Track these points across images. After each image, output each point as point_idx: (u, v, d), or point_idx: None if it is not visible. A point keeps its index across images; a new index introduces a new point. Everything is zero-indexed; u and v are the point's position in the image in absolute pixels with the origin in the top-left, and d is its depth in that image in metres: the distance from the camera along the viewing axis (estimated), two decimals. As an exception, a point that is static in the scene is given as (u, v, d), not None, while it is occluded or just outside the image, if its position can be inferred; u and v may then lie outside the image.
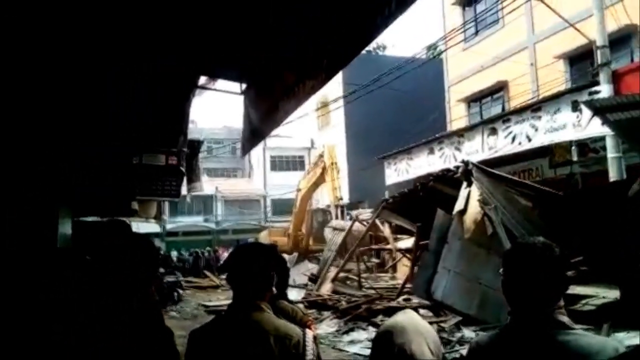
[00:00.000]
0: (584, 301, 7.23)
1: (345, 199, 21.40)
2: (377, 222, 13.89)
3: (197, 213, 34.58)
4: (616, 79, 8.78)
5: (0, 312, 2.24)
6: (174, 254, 27.64)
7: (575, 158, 10.45)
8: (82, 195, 5.52)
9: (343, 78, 19.86)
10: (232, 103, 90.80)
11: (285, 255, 18.26)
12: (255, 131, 4.24)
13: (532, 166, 12.04)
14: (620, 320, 6.26)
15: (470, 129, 12.47)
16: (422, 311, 8.70)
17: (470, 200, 8.74)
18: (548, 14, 10.72)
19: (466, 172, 9.03)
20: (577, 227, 7.70)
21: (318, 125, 29.93)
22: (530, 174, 12.04)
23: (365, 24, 2.34)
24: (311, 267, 17.71)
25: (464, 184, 9.09)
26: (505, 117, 11.28)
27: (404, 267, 14.09)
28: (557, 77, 12.04)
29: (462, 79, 16.34)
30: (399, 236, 14.32)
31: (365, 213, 16.32)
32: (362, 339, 8.65)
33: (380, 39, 33.41)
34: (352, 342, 8.57)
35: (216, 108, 73.94)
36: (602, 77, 8.76)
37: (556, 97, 9.80)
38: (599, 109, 6.84)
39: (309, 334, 1.82)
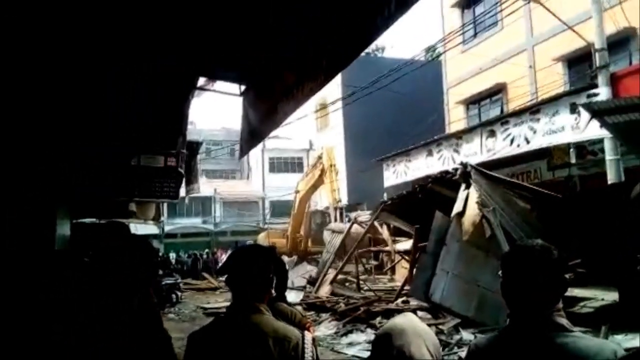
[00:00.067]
0: (582, 303, 7.25)
1: (344, 201, 21.39)
2: (376, 224, 13.89)
3: (195, 215, 34.55)
4: (614, 81, 8.80)
5: (0, 312, 2.23)
6: (173, 255, 27.61)
7: (573, 160, 10.47)
8: (81, 196, 5.51)
9: (342, 80, 19.89)
10: (231, 104, 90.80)
11: (285, 258, 18.28)
12: (254, 133, 4.24)
13: (531, 168, 12.06)
14: (618, 322, 6.26)
15: (469, 131, 12.48)
16: (420, 313, 8.69)
17: (469, 203, 8.74)
18: (547, 16, 10.75)
19: (465, 174, 9.04)
20: (576, 229, 7.71)
21: (317, 126, 29.94)
22: (528, 176, 12.06)
23: (365, 24, 2.35)
24: (310, 269, 17.69)
25: (463, 186, 9.10)
26: (503, 119, 11.29)
27: (402, 269, 14.10)
28: (555, 80, 12.07)
29: (461, 81, 16.37)
30: (397, 238, 14.32)
31: (364, 215, 16.33)
32: (360, 341, 8.63)
33: (379, 41, 33.47)
34: (350, 344, 8.56)
35: (215, 109, 73.95)
36: (601, 79, 8.78)
37: (555, 100, 9.82)
38: (597, 112, 6.86)
39: (308, 336, 1.82)
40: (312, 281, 14.49)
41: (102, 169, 5.37)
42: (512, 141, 10.70)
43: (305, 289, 14.56)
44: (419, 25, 52.45)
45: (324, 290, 12.89)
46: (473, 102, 16.05)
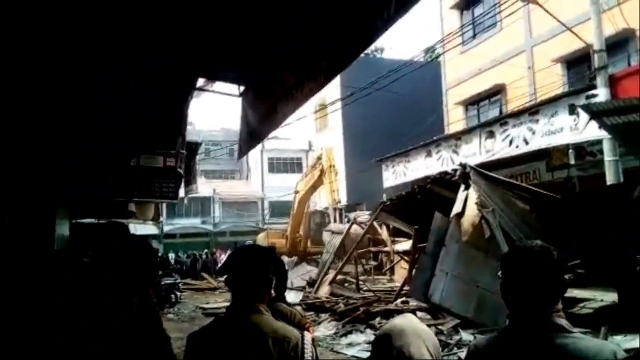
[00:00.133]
0: (581, 304, 7.25)
1: (344, 202, 21.40)
2: (375, 224, 13.89)
3: (195, 215, 34.54)
4: (613, 83, 8.80)
5: (0, 312, 2.23)
6: (172, 256, 27.59)
7: (572, 161, 10.46)
8: (81, 196, 5.51)
9: (341, 81, 19.90)
10: (231, 105, 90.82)
11: (285, 258, 18.27)
12: (253, 133, 4.25)
13: (530, 169, 12.06)
14: (618, 323, 6.26)
15: (468, 132, 12.48)
16: (420, 314, 8.70)
17: (468, 203, 8.75)
18: (546, 18, 10.76)
19: (464, 175, 9.04)
20: (575, 230, 7.71)
21: (316, 127, 29.95)
22: (527, 177, 12.07)
23: (365, 26, 2.35)
24: (309, 270, 17.69)
25: (462, 187, 9.10)
26: (503, 120, 11.29)
27: (402, 270, 14.10)
28: (554, 81, 12.08)
29: (460, 82, 16.38)
30: (397, 239, 14.32)
31: (364, 215, 16.33)
32: (360, 341, 8.63)
33: (379, 42, 33.47)
34: (350, 344, 8.56)
35: (214, 110, 73.93)
36: (600, 81, 8.78)
37: (554, 101, 9.82)
38: (597, 113, 6.87)
39: (308, 336, 1.82)
40: (312, 283, 14.49)
41: (102, 169, 5.37)
42: (511, 142, 10.70)
43: (304, 289, 14.56)
44: (418, 26, 52.53)
45: (324, 291, 12.89)
46: (472, 103, 16.06)
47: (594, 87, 8.88)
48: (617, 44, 10.62)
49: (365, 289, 13.43)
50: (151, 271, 2.14)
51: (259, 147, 28.35)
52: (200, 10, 2.87)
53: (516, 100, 13.21)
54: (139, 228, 13.82)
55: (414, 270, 10.66)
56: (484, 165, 10.19)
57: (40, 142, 4.42)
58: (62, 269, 2.28)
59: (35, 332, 1.93)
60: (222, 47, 3.33)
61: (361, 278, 14.34)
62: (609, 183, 8.57)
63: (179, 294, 15.63)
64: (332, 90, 19.95)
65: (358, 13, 2.36)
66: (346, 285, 14.13)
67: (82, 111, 4.24)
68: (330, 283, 13.09)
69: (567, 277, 1.61)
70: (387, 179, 15.90)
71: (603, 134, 8.19)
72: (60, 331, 1.81)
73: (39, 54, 3.22)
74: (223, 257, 24.83)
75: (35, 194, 4.50)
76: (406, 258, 12.73)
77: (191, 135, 13.61)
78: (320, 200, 23.56)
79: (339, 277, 13.67)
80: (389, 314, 9.13)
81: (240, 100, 4.24)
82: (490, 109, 15.30)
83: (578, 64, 12.06)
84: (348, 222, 16.98)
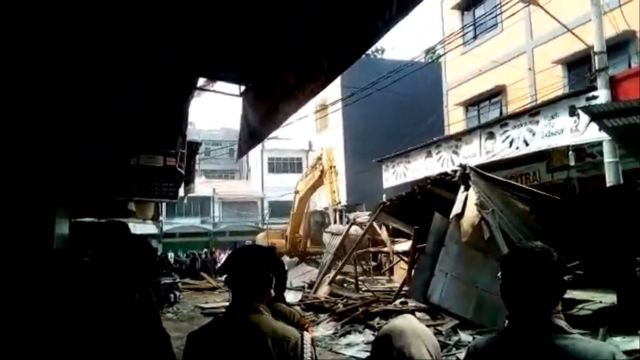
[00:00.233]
0: (580, 306, 7.26)
1: (343, 202, 21.39)
2: (375, 225, 13.89)
3: (194, 215, 34.55)
4: (614, 84, 8.81)
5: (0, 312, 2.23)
6: (171, 255, 27.59)
7: (572, 163, 10.46)
8: (81, 196, 5.51)
9: (342, 81, 19.86)
10: (231, 105, 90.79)
11: (286, 258, 18.27)
12: (253, 133, 4.25)
13: (530, 170, 12.06)
14: (616, 324, 6.27)
15: (468, 132, 12.48)
16: (418, 314, 8.69)
17: (468, 204, 8.75)
18: (546, 19, 10.77)
19: (464, 176, 9.05)
20: (574, 231, 7.71)
21: (316, 127, 29.95)
22: (527, 178, 12.06)
23: (365, 26, 2.35)
24: (309, 270, 17.68)
25: (462, 187, 9.11)
26: (503, 121, 11.30)
27: (401, 270, 14.09)
28: (555, 82, 12.09)
29: (461, 83, 16.39)
30: (396, 239, 14.32)
31: (363, 216, 16.32)
32: (358, 341, 8.64)
33: (379, 43, 33.46)
34: (348, 344, 8.56)
35: (214, 109, 73.93)
36: (600, 82, 8.79)
37: (554, 102, 9.83)
38: (597, 115, 6.87)
39: (307, 336, 1.83)
40: (311, 284, 14.49)
41: (101, 169, 5.38)
42: (511, 143, 10.70)
43: (304, 289, 14.56)
44: (419, 27, 52.49)
45: (323, 291, 12.89)
46: (472, 103, 16.07)
47: (594, 89, 8.89)
48: (618, 46, 10.62)
49: (364, 289, 13.43)
50: (151, 271, 2.14)
51: (259, 146, 28.37)
52: (201, 10, 2.87)
53: (516, 101, 13.22)
54: (138, 227, 13.81)
55: (413, 271, 10.66)
56: (483, 166, 10.19)
57: (40, 142, 4.41)
58: (62, 269, 2.28)
59: (35, 332, 1.93)
60: (222, 47, 3.33)
61: (360, 278, 14.34)
62: (608, 184, 8.57)
63: (177, 293, 15.63)
64: (333, 91, 19.94)
65: (358, 14, 2.36)
66: (345, 285, 14.12)
67: (82, 111, 4.24)
68: (329, 283, 13.09)
69: (566, 278, 1.61)
70: (386, 179, 15.90)
71: (603, 136, 8.19)
72: (60, 331, 1.80)
73: (40, 54, 3.22)
74: (222, 257, 24.84)
75: (35, 193, 4.50)
76: (405, 258, 12.73)
77: (191, 134, 13.62)
78: (320, 200, 23.56)
79: (338, 277, 13.67)
80: (387, 314, 9.13)
81: (240, 99, 4.24)
82: (490, 109, 15.31)
83: (578, 66, 12.06)
84: (347, 222, 16.97)
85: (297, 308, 6.86)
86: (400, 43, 63.27)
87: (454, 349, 7.43)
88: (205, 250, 28.79)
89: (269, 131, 4.11)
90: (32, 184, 4.50)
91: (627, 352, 5.14)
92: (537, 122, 10.02)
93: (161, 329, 2.04)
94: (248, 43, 3.21)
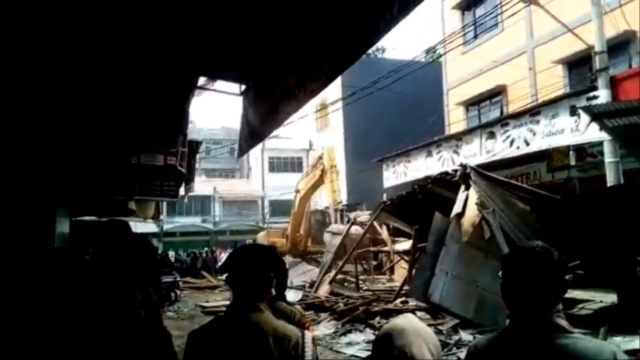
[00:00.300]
0: (581, 305, 7.26)
1: (344, 201, 21.40)
2: (375, 224, 13.90)
3: (195, 214, 34.57)
4: (614, 84, 8.80)
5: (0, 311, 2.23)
6: (172, 254, 27.62)
7: (573, 162, 10.46)
8: (81, 196, 5.51)
9: (342, 80, 19.84)
10: (231, 104, 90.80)
11: (288, 258, 18.26)
12: (254, 132, 4.25)
13: (530, 170, 12.06)
14: (617, 324, 6.27)
15: (469, 132, 12.48)
16: (419, 314, 8.70)
17: (468, 204, 8.75)
18: (547, 19, 10.76)
19: (464, 176, 9.05)
20: (575, 231, 7.72)
21: (317, 126, 29.94)
22: (528, 177, 12.06)
23: (366, 26, 2.35)
24: (309, 269, 17.68)
25: (462, 187, 9.11)
26: (503, 121, 11.29)
27: (401, 270, 14.10)
28: (555, 82, 12.08)
29: (461, 83, 16.38)
30: (396, 238, 14.33)
31: (364, 215, 16.33)
32: (359, 340, 8.64)
33: (380, 42, 33.46)
34: (349, 343, 8.57)
35: (215, 108, 73.93)
36: (600, 82, 8.78)
37: (554, 102, 9.82)
38: (597, 114, 6.87)
39: (308, 335, 1.83)
40: (312, 284, 14.50)
41: (102, 169, 5.37)
42: (511, 143, 10.70)
43: (304, 288, 14.57)
44: (419, 26, 52.47)
45: (323, 290, 12.90)
46: (473, 103, 16.06)
47: (595, 89, 8.88)
48: (618, 46, 10.61)
49: (364, 288, 13.44)
50: (152, 269, 2.14)
51: (260, 145, 28.37)
52: (201, 9, 2.87)
53: (517, 101, 13.21)
54: (139, 226, 13.79)
55: (414, 270, 10.67)
56: (484, 166, 10.19)
57: (40, 142, 4.41)
58: (62, 268, 2.27)
59: (35, 332, 1.93)
60: (222, 47, 3.33)
61: (361, 277, 14.36)
62: (609, 184, 8.57)
63: (178, 292, 15.65)
64: (333, 90, 19.95)
65: (359, 13, 2.36)
66: (346, 284, 14.14)
67: (82, 111, 4.24)
68: (330, 282, 13.09)
69: (567, 277, 1.61)
70: (387, 178, 15.91)
71: (603, 136, 8.19)
72: (61, 331, 1.81)
73: (40, 54, 3.22)
74: (223, 256, 24.86)
75: (36, 193, 4.50)
76: (406, 257, 12.74)
77: (191, 133, 13.62)
78: (321, 199, 23.56)
79: (339, 276, 13.68)
80: (388, 314, 9.14)
81: (240, 98, 4.24)
82: (490, 109, 15.30)
83: (579, 65, 12.05)
84: (348, 221, 16.97)
85: (298, 307, 6.87)
86: (401, 43, 63.31)
87: (454, 348, 7.43)
88: (205, 249, 28.80)
89: (270, 130, 4.10)
90: (33, 183, 4.50)
91: (628, 352, 5.14)
92: (538, 121, 10.02)
93: (162, 327, 2.04)
94: (248, 43, 3.20)
